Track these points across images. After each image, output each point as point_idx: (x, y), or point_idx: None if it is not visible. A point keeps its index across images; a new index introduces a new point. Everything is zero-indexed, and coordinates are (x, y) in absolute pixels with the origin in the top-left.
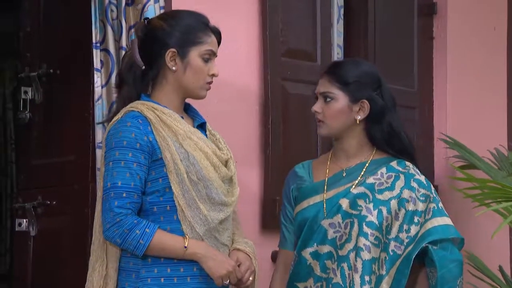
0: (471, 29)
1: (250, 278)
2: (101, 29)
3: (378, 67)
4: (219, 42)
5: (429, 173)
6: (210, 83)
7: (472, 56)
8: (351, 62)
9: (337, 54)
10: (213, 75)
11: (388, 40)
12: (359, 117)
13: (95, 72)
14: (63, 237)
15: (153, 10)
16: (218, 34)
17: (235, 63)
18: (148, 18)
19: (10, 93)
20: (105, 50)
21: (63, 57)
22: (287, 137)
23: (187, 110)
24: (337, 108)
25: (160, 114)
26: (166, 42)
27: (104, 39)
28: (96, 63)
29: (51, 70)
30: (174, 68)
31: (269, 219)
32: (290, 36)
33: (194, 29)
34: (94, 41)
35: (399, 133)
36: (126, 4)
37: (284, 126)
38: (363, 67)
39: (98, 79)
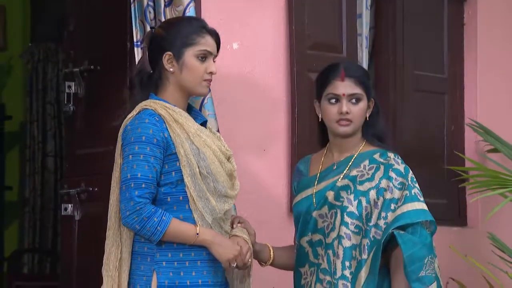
0: (502, 15)
1: (250, 260)
2: (141, 28)
3: (407, 53)
4: (218, 43)
5: (459, 158)
6: (208, 80)
7: (503, 42)
8: (355, 63)
9: (366, 43)
10: (211, 73)
11: (418, 26)
12: (368, 114)
13: None
14: (104, 221)
15: (194, 12)
16: (215, 36)
17: (263, 56)
18: (154, 27)
19: (63, 75)
20: None
21: (103, 54)
22: (312, 126)
23: (189, 110)
24: (363, 107)
25: (172, 112)
26: (163, 46)
27: (144, 38)
28: (138, 60)
29: (92, 66)
30: (171, 69)
31: None
32: (316, 29)
33: (188, 32)
34: (135, 40)
35: (381, 124)
36: (165, 5)
37: (310, 115)
38: (362, 67)
39: None
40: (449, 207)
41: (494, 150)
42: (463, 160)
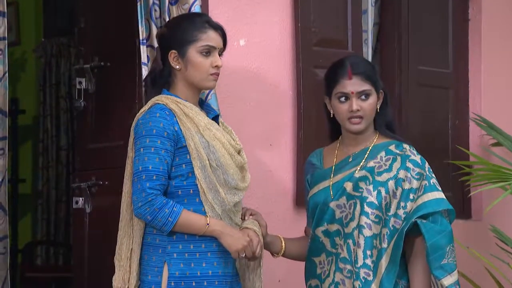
0: (506, 10)
1: (259, 251)
2: (147, 27)
3: (412, 49)
4: (224, 37)
5: (463, 152)
6: (214, 74)
7: (507, 38)
8: (361, 58)
9: (371, 39)
10: (217, 67)
11: (423, 22)
12: (378, 106)
13: (142, 66)
14: (114, 214)
15: (199, 10)
16: (220, 30)
17: (269, 53)
18: (161, 26)
19: (75, 71)
20: (151, 46)
21: (112, 51)
22: (318, 121)
23: (201, 105)
24: (373, 102)
25: (182, 107)
26: (168, 45)
27: (149, 36)
28: (143, 58)
29: (102, 63)
30: (178, 67)
31: (302, 198)
32: (321, 25)
33: (189, 29)
34: (141, 38)
35: (391, 112)
36: (170, 3)
37: (316, 110)
38: (368, 61)
39: (145, 72)
40: (453, 200)
41: (498, 144)
42: (467, 154)
